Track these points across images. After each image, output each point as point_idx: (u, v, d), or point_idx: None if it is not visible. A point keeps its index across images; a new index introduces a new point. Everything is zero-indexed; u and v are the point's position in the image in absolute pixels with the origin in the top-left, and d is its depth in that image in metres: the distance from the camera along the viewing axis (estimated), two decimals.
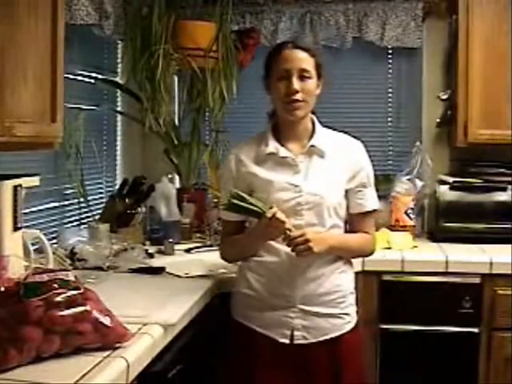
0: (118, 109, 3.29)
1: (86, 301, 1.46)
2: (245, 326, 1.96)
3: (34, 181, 1.94)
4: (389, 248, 2.72)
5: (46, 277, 1.45)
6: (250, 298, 1.96)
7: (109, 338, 1.44)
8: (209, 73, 2.91)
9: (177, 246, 2.67)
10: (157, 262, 2.41)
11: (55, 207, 2.70)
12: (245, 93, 3.09)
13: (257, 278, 1.95)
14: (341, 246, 1.96)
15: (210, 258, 2.42)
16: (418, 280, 2.58)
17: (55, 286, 1.43)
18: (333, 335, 1.93)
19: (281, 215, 1.82)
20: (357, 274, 2.13)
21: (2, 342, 1.33)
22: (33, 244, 1.97)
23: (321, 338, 1.92)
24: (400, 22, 3.18)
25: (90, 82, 2.98)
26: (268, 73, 1.98)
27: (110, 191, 3.13)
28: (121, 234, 2.61)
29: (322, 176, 1.94)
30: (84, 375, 1.30)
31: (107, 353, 1.42)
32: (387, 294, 2.59)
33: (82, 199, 2.75)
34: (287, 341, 1.91)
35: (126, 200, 2.82)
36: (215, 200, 2.96)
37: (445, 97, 3.19)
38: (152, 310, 1.75)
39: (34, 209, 2.45)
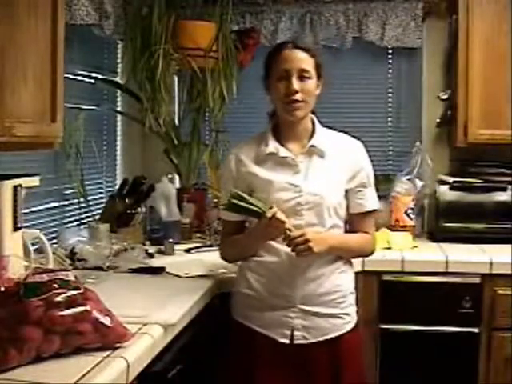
0: (118, 109, 3.29)
1: (86, 301, 1.46)
2: (245, 326, 1.96)
3: (34, 181, 1.94)
4: (389, 248, 2.72)
5: (46, 277, 1.45)
6: (250, 298, 1.96)
7: (109, 338, 1.44)
8: (209, 73, 2.91)
9: (177, 246, 2.67)
10: (157, 261, 2.41)
11: (55, 207, 2.70)
12: (245, 93, 3.09)
13: (257, 278, 1.95)
14: (341, 245, 1.96)
15: (210, 258, 2.42)
16: (417, 280, 2.58)
17: (55, 285, 1.43)
18: (333, 335, 1.93)
19: (281, 215, 1.82)
20: (357, 273, 2.13)
21: (2, 341, 1.33)
22: (33, 244, 1.97)
23: (321, 338, 1.92)
24: (400, 21, 3.18)
25: (90, 82, 2.98)
26: (268, 73, 1.98)
27: (110, 191, 3.13)
28: (121, 234, 2.61)
29: (322, 176, 1.94)
30: (84, 375, 1.30)
31: (107, 353, 1.42)
32: (387, 294, 2.59)
33: (82, 199, 2.75)
34: (287, 341, 1.91)
35: (126, 200, 2.82)
36: (215, 200, 2.96)
37: (445, 97, 3.19)
38: (152, 310, 1.75)
39: (34, 209, 2.45)
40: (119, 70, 3.29)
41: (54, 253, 2.11)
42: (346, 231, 2.03)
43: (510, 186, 2.90)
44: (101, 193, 3.12)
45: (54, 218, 2.67)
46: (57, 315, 1.39)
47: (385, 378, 2.60)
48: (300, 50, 1.93)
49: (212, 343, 2.06)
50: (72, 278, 1.50)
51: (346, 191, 1.97)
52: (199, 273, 2.25)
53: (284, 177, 1.93)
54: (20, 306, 1.38)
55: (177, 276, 2.22)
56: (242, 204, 1.85)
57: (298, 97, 1.90)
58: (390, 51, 3.30)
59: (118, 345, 1.46)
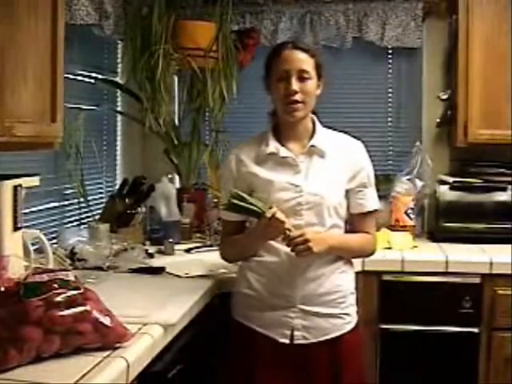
0: (118, 109, 3.29)
1: (86, 301, 1.46)
2: (245, 326, 1.96)
3: (34, 181, 1.94)
4: (389, 248, 2.72)
5: (46, 277, 1.45)
6: (250, 298, 1.96)
7: (109, 338, 1.44)
8: (209, 73, 2.91)
9: (177, 246, 2.67)
10: (157, 261, 2.41)
11: (55, 207, 2.70)
12: (245, 93, 3.09)
13: (257, 278, 1.95)
14: (341, 245, 1.96)
15: (210, 258, 2.42)
16: (417, 280, 2.58)
17: (55, 285, 1.43)
18: (333, 335, 1.93)
19: (280, 215, 1.82)
20: (357, 273, 2.13)
21: (2, 341, 1.33)
22: (33, 244, 1.97)
23: (321, 338, 1.92)
24: (400, 21, 3.18)
25: (90, 82, 2.98)
26: (268, 73, 1.98)
27: (110, 191, 3.13)
28: (121, 233, 2.61)
29: (322, 176, 1.94)
30: (84, 375, 1.30)
31: (107, 353, 1.42)
32: (387, 294, 2.59)
33: (82, 199, 2.75)
34: (287, 341, 1.91)
35: (126, 200, 2.82)
36: (215, 200, 2.96)
37: (445, 97, 3.19)
38: (152, 310, 1.75)
39: (34, 209, 2.45)
40: (119, 70, 3.29)
41: (54, 253, 2.11)
42: (347, 231, 2.03)
43: (510, 186, 2.90)
44: (101, 193, 3.12)
45: (54, 217, 2.67)
46: (57, 315, 1.39)
47: (385, 378, 2.60)
48: (300, 51, 1.93)
49: (212, 343, 2.06)
50: (72, 278, 1.50)
51: (347, 191, 1.97)
52: (199, 273, 2.25)
53: (284, 177, 1.93)
54: (20, 306, 1.38)
55: (177, 276, 2.22)
56: (241, 204, 1.85)
57: (297, 97, 1.90)
58: (390, 51, 3.30)
59: (117, 345, 1.45)
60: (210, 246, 2.74)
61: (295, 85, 1.89)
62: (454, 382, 2.56)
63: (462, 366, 2.56)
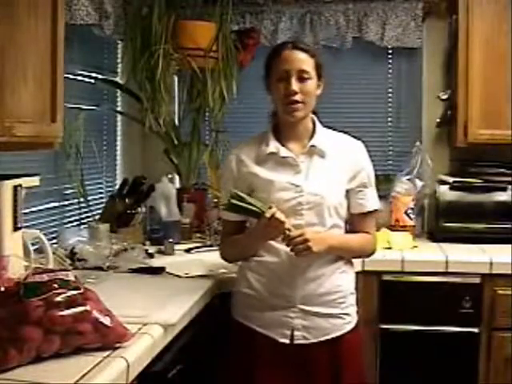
0: (118, 109, 3.29)
1: (86, 301, 1.46)
2: (245, 326, 1.96)
3: (34, 181, 1.94)
4: (389, 248, 2.72)
5: (46, 277, 1.45)
6: (250, 298, 1.96)
7: (109, 338, 1.44)
8: (209, 73, 2.91)
9: (177, 246, 2.67)
10: (157, 261, 2.41)
11: (55, 207, 2.70)
12: (245, 93, 3.10)
13: (257, 278, 1.95)
14: (341, 245, 1.96)
15: (210, 258, 2.42)
16: (418, 280, 2.58)
17: (55, 285, 1.43)
18: (333, 335, 1.93)
19: (280, 215, 1.82)
20: (357, 273, 2.12)
21: (2, 342, 1.33)
22: (33, 244, 1.97)
23: (321, 338, 1.92)
24: (400, 21, 3.18)
25: (90, 82, 2.98)
26: (268, 73, 1.98)
27: (110, 191, 3.13)
28: (121, 234, 2.61)
29: (322, 176, 1.94)
30: (84, 375, 1.30)
31: (107, 353, 1.42)
32: (387, 294, 2.59)
33: (82, 199, 2.75)
34: (287, 341, 1.91)
35: (126, 200, 2.82)
36: (215, 200, 2.96)
37: (445, 97, 3.19)
38: (152, 310, 1.75)
39: (34, 209, 2.45)
40: (119, 70, 3.29)
41: (54, 253, 2.11)
42: (347, 231, 2.03)
43: (510, 186, 2.90)
44: (101, 193, 3.12)
45: (54, 217, 2.67)
46: (57, 315, 1.39)
47: (385, 378, 2.60)
48: (300, 51, 1.93)
49: (212, 343, 2.06)
50: (72, 278, 1.50)
51: (347, 191, 1.97)
52: (199, 273, 2.25)
53: (285, 177, 1.93)
54: (20, 306, 1.38)
55: (177, 276, 2.22)
56: (241, 204, 1.85)
57: (297, 98, 1.90)
58: (390, 51, 3.30)
59: (117, 345, 1.45)
60: (210, 245, 2.74)
61: (295, 85, 1.89)
62: (454, 382, 2.57)
63: (462, 366, 2.56)
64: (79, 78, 2.87)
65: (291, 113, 1.92)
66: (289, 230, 1.83)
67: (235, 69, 3.03)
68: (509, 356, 2.50)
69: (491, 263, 2.53)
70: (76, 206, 2.80)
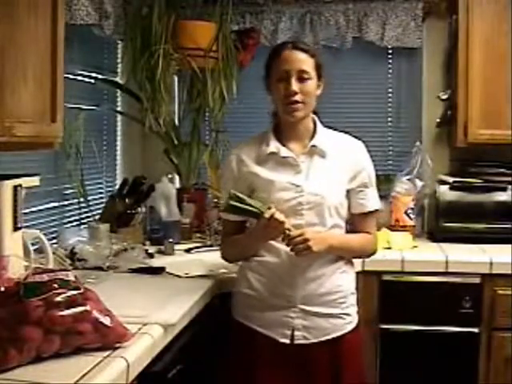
0: (118, 109, 3.29)
1: (86, 301, 1.46)
2: (245, 326, 1.96)
3: (34, 181, 1.94)
4: (389, 248, 2.72)
5: (46, 277, 1.45)
6: (250, 298, 1.96)
7: (109, 338, 1.44)
8: (209, 73, 2.91)
9: (177, 246, 2.67)
10: (157, 261, 2.41)
11: (55, 207, 2.70)
12: (245, 93, 3.09)
13: (257, 278, 1.95)
14: (341, 245, 1.96)
15: (210, 258, 2.42)
16: (418, 280, 2.58)
17: (55, 285, 1.43)
18: (334, 335, 1.93)
19: (279, 216, 1.82)
20: (357, 273, 2.12)
21: (2, 342, 1.33)
22: (33, 244, 1.97)
23: (321, 338, 1.92)
24: (400, 21, 3.18)
25: (90, 82, 2.98)
26: (268, 73, 1.98)
27: (110, 191, 3.13)
28: (121, 234, 2.61)
29: (323, 176, 1.94)
30: (84, 375, 1.30)
31: (107, 353, 1.42)
32: (387, 294, 2.59)
33: (82, 199, 2.75)
34: (287, 341, 1.91)
35: (126, 200, 2.82)
36: (215, 200, 2.96)
37: (445, 97, 3.19)
38: (152, 310, 1.75)
39: (34, 209, 2.45)
40: (119, 70, 3.29)
41: (54, 253, 2.11)
42: (348, 231, 2.03)
43: (510, 186, 2.90)
44: (101, 193, 3.12)
45: (54, 218, 2.67)
46: (57, 315, 1.39)
47: (385, 378, 2.60)
48: (299, 51, 1.93)
49: (212, 343, 2.06)
50: (72, 278, 1.50)
51: (348, 191, 1.97)
52: (199, 273, 2.25)
53: (285, 177, 1.93)
54: (20, 306, 1.38)
55: (177, 276, 2.22)
56: (240, 205, 1.84)
57: (297, 98, 1.90)
58: (390, 51, 3.30)
59: (117, 345, 1.45)
60: (210, 245, 2.74)
61: (295, 85, 1.89)
62: (454, 382, 2.57)
63: (462, 366, 2.56)
64: (79, 77, 2.87)
65: (291, 113, 1.92)
66: (289, 229, 1.83)
67: (235, 69, 3.03)
68: (509, 356, 2.50)
69: (491, 263, 2.53)
70: (76, 206, 2.80)
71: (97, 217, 2.80)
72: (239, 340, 1.98)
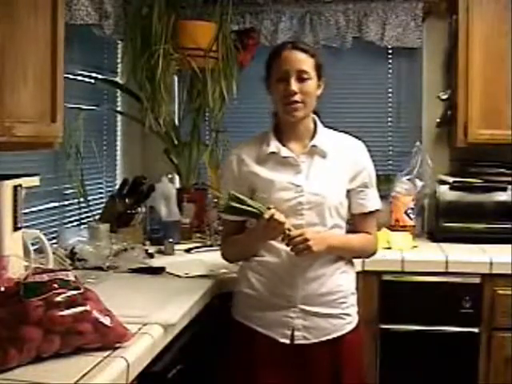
0: (118, 109, 3.29)
1: (86, 301, 1.46)
2: (245, 326, 1.96)
3: (34, 181, 1.94)
4: (389, 248, 2.72)
5: (46, 277, 1.45)
6: (250, 298, 1.96)
7: (109, 338, 1.44)
8: (209, 73, 2.91)
9: (177, 246, 2.67)
10: (157, 261, 2.41)
11: (55, 207, 2.70)
12: (245, 93, 3.09)
13: (258, 278, 1.95)
14: (341, 245, 1.96)
15: (210, 258, 2.42)
16: (418, 280, 2.58)
17: (55, 285, 1.43)
18: (334, 335, 1.93)
19: (279, 216, 1.82)
20: (357, 273, 2.12)
21: (2, 342, 1.33)
22: (33, 244, 1.97)
23: (322, 338, 1.92)
24: (400, 22, 3.18)
25: (90, 82, 2.98)
26: (268, 73, 1.98)
27: (110, 191, 3.13)
28: (121, 234, 2.61)
29: (323, 176, 1.94)
30: (84, 375, 1.30)
31: (107, 353, 1.42)
32: (387, 294, 2.59)
33: (82, 199, 2.75)
34: (288, 341, 1.91)
35: (126, 200, 2.81)
36: (215, 200, 2.95)
37: (445, 97, 3.19)
38: (152, 310, 1.75)
39: (34, 209, 2.45)
40: (119, 70, 3.29)
41: (54, 253, 2.11)
42: (348, 231, 2.03)
43: (510, 186, 2.90)
44: (101, 193, 3.12)
45: (54, 217, 2.67)
46: (57, 315, 1.39)
47: (385, 378, 2.60)
48: (299, 51, 1.93)
49: (212, 343, 2.06)
50: (72, 278, 1.50)
51: (348, 191, 1.97)
52: (199, 273, 2.25)
53: (286, 177, 1.93)
54: (20, 306, 1.38)
55: (177, 276, 2.22)
56: (239, 206, 1.84)
57: (296, 98, 1.90)
58: (390, 51, 3.30)
59: (117, 345, 1.45)
60: (210, 245, 2.74)
61: (294, 85, 1.89)
62: (454, 382, 2.57)
63: (462, 366, 2.56)
64: (79, 77, 2.87)
65: (291, 113, 1.92)
66: (289, 229, 1.83)
67: (235, 69, 3.03)
68: (509, 356, 2.50)
69: (491, 263, 2.53)
70: (76, 206, 2.80)
71: (97, 217, 2.80)
72: (239, 340, 1.98)
